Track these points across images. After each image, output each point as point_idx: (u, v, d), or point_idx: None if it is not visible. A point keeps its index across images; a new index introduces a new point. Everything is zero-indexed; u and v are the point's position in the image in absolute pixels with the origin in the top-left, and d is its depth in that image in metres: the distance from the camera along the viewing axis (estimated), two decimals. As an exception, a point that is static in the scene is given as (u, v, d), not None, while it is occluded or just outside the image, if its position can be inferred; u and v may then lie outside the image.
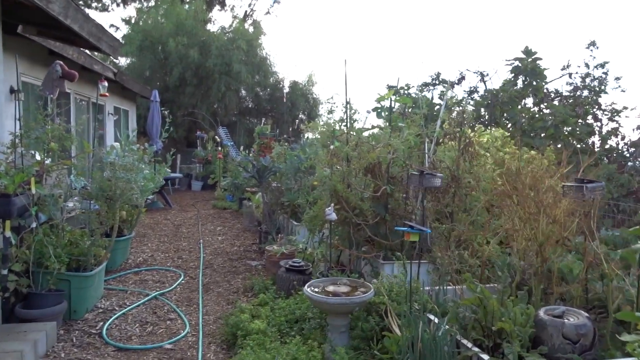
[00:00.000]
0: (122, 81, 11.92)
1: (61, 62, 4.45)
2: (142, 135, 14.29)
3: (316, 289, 3.60)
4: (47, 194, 4.37)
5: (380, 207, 4.61)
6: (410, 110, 5.71)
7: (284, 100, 18.56)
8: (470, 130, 5.38)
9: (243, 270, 6.35)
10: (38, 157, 4.59)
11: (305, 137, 18.80)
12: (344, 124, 5.34)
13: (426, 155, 5.18)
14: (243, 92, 19.61)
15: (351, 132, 4.53)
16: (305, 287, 3.59)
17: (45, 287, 4.28)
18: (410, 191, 5.01)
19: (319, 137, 11.23)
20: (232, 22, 20.36)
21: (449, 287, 3.75)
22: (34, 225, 4.09)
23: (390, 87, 15.46)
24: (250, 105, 20.65)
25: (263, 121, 15.88)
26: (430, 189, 4.17)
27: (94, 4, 23.75)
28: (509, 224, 3.87)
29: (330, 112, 5.77)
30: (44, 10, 4.69)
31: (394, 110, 5.06)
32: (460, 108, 4.87)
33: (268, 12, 27.59)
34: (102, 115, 12.27)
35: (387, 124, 6.35)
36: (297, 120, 20.66)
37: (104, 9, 24.67)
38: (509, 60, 8.79)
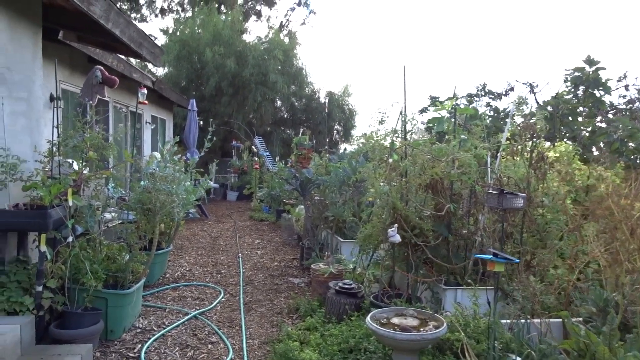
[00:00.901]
0: (160, 90, 11.82)
1: (101, 67, 4.21)
2: (179, 144, 14.20)
3: (380, 321, 3.18)
4: (84, 205, 4.10)
5: (442, 227, 4.17)
6: (463, 122, 5.25)
7: (325, 110, 18.29)
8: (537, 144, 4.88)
9: (285, 288, 5.97)
10: (76, 167, 4.34)
11: (343, 148, 18.50)
12: (396, 135, 4.94)
13: (488, 171, 4.72)
14: (278, 102, 19.45)
15: (410, 145, 4.12)
16: (368, 318, 3.17)
17: (81, 305, 3.99)
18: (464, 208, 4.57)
19: (356, 149, 10.88)
20: (268, 33, 20.28)
21: (528, 320, 3.27)
22: (70, 239, 3.82)
23: (433, 98, 15.00)
24: (285, 116, 20.45)
25: (301, 131, 15.58)
26: (509, 210, 3.71)
27: (133, 15, 24.11)
28: (597, 250, 3.38)
29: (381, 122, 5.37)
30: (85, 13, 4.47)
31: (457, 121, 4.61)
32: (532, 120, 4.38)
33: (304, 23, 27.49)
34: (140, 124, 12.19)
35: (436, 136, 5.90)
36: (334, 131, 20.35)
37: (143, 19, 25.05)
38: (569, 70, 8.23)
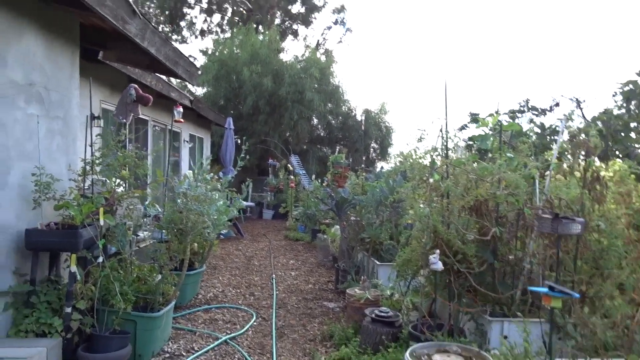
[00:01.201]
0: (198, 109, 11.95)
1: (135, 86, 4.18)
2: (216, 162, 14.29)
3: (421, 358, 2.93)
4: (117, 224, 4.04)
5: (487, 253, 3.88)
6: (508, 139, 4.95)
7: (362, 127, 18.14)
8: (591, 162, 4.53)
9: (319, 312, 5.75)
10: (109, 185, 4.30)
11: (380, 167, 18.23)
12: (437, 153, 4.69)
13: (537, 191, 4.40)
14: (315, 120, 19.42)
15: (452, 164, 3.87)
16: (407, 354, 2.92)
17: (110, 327, 3.89)
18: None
19: (392, 167, 10.61)
20: (305, 52, 20.40)
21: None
22: (100, 259, 3.74)
23: (472, 115, 14.59)
24: (321, 134, 20.40)
25: (337, 149, 15.44)
26: (565, 236, 3.40)
27: (174, 37, 24.77)
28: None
29: (420, 140, 5.15)
30: (120, 32, 4.47)
31: (502, 138, 4.33)
32: (583, 136, 4.05)
33: (340, 41, 27.62)
34: (178, 143, 12.33)
35: (477, 154, 5.61)
36: (370, 149, 20.15)
37: (183, 41, 25.72)
38: (620, 84, 7.78)
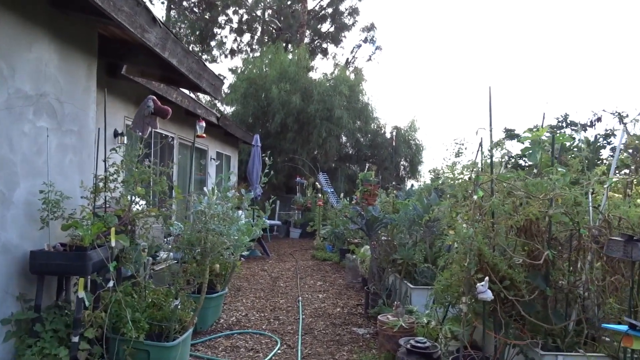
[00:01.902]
0: (225, 126, 11.79)
1: (154, 97, 3.93)
2: (243, 180, 14.09)
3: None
4: (131, 245, 3.76)
5: (538, 279, 3.43)
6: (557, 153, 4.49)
7: (394, 142, 17.75)
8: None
9: (348, 339, 5.33)
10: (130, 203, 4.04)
11: (410, 185, 17.73)
12: (476, 168, 4.28)
13: (590, 210, 3.92)
14: (343, 137, 19.14)
15: (497, 179, 3.44)
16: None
17: (122, 357, 3.59)
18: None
19: (424, 185, 10.14)
20: (334, 70, 20.23)
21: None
22: (111, 283, 3.45)
23: (508, 131, 14.04)
24: (350, 152, 20.09)
25: (367, 167, 15.06)
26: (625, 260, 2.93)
27: (204, 56, 25.05)
28: None
29: (458, 154, 4.74)
30: (140, 42, 4.26)
31: (553, 152, 3.89)
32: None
33: (369, 59, 27.38)
34: (205, 160, 12.19)
35: (513, 170, 5.15)
36: (400, 167, 19.72)
37: (213, 60, 25.98)
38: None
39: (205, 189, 4.61)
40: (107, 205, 4.07)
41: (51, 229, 3.54)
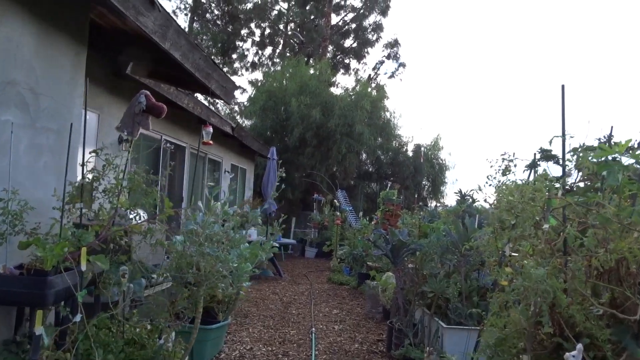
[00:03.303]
0: (241, 137, 11.19)
1: (147, 92, 3.28)
2: (258, 195, 13.42)
3: None
4: (108, 268, 3.07)
5: (626, 337, 2.63)
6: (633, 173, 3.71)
7: (422, 159, 17.01)
8: None
9: (368, 386, 4.54)
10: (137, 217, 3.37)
11: (434, 205, 16.89)
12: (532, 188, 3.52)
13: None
14: (364, 154, 18.44)
15: (577, 203, 2.67)
16: None
17: (90, 409, 2.88)
18: None
19: (450, 206, 9.33)
20: (356, 85, 19.62)
21: None
22: (78, 318, 2.75)
23: (544, 151, 13.11)
24: (370, 169, 19.36)
25: (388, 185, 14.30)
26: None
27: (225, 68, 24.72)
28: None
29: (505, 172, 3.99)
30: (136, 30, 3.64)
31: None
32: None
33: (392, 76, 26.73)
34: (218, 173, 11.58)
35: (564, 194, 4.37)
36: (424, 187, 18.93)
37: (234, 72, 25.65)
38: None
39: (199, 203, 3.89)
40: (90, 219, 3.41)
41: (11, 247, 2.88)
